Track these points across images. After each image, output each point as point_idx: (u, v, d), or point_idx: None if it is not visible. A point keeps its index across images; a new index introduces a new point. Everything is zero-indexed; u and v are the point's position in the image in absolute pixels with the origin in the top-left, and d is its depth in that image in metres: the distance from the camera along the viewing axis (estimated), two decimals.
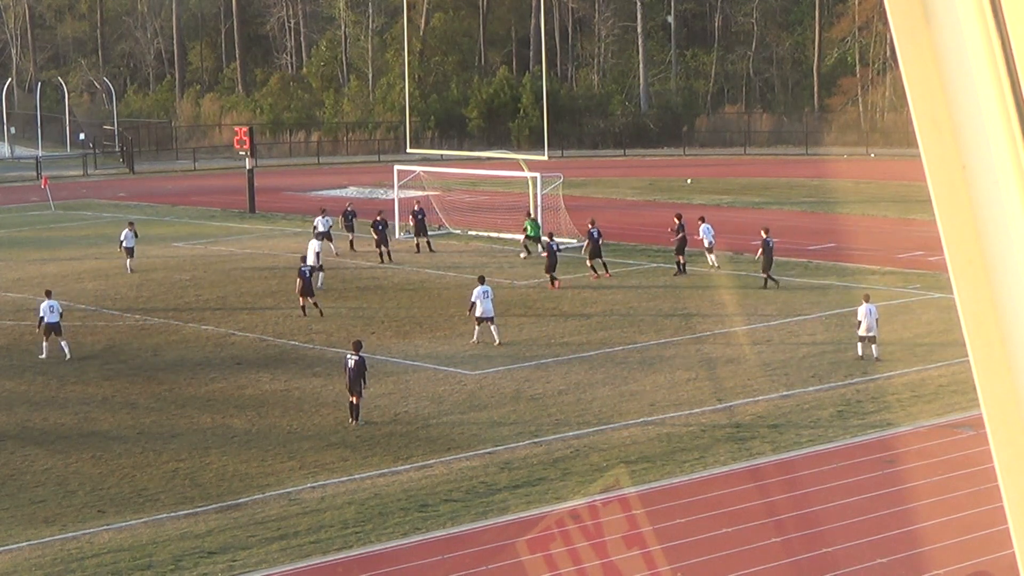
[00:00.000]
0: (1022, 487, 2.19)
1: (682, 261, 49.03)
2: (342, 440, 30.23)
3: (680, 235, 49.44)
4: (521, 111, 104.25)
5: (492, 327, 38.48)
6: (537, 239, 53.95)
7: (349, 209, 57.65)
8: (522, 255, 53.27)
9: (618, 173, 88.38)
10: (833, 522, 23.96)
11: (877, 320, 36.21)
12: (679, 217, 50.51)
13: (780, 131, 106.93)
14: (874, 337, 36.10)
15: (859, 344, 36.32)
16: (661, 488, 26.37)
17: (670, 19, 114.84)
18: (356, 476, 27.73)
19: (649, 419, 31.19)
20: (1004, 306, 2.19)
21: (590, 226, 49.07)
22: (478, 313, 38.65)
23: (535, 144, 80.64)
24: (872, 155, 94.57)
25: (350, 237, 55.58)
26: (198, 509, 25.94)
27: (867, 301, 36.47)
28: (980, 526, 22.19)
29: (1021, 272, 2.17)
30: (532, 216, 55.56)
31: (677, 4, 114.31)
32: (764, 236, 46.47)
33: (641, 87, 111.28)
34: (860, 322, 36.22)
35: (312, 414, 32.29)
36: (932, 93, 2.20)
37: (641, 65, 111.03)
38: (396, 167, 63.57)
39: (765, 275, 45.82)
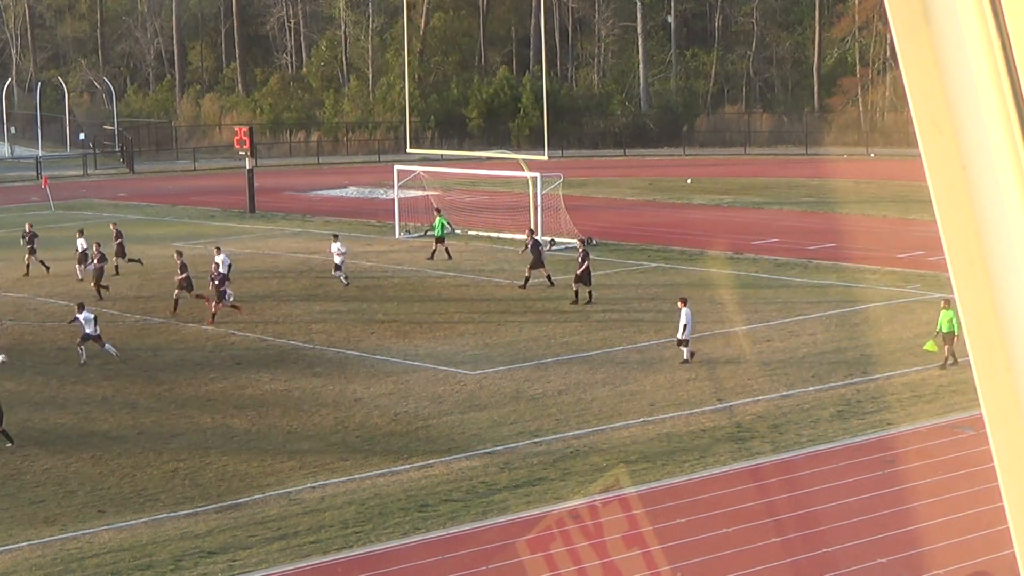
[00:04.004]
0: (1022, 487, 2.19)
1: (530, 275, 46.38)
2: (342, 440, 30.23)
3: (534, 248, 47.13)
4: (521, 111, 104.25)
5: (84, 347, 37.34)
6: (442, 239, 53.56)
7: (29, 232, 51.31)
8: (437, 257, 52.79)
9: (618, 173, 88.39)
10: (833, 522, 23.96)
11: (686, 325, 35.74)
12: (531, 233, 48.84)
13: (780, 131, 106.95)
14: (687, 340, 35.81)
15: (684, 350, 35.95)
16: (661, 488, 26.36)
17: (670, 19, 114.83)
18: (356, 476, 27.73)
19: (649, 419, 31.19)
20: (1004, 306, 2.19)
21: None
22: (88, 330, 37.35)
23: (535, 144, 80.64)
24: (872, 155, 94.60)
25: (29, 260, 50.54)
26: (198, 509, 25.94)
27: (684, 305, 36.17)
28: (980, 526, 22.19)
29: (1021, 272, 2.17)
30: (439, 212, 55.23)
31: (677, 4, 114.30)
32: (581, 247, 44.85)
33: (641, 87, 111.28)
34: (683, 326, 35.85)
35: (312, 414, 32.30)
36: (932, 93, 2.20)
37: (641, 65, 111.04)
38: (396, 167, 63.59)
39: (581, 287, 43.70)
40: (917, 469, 26.87)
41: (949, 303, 35.27)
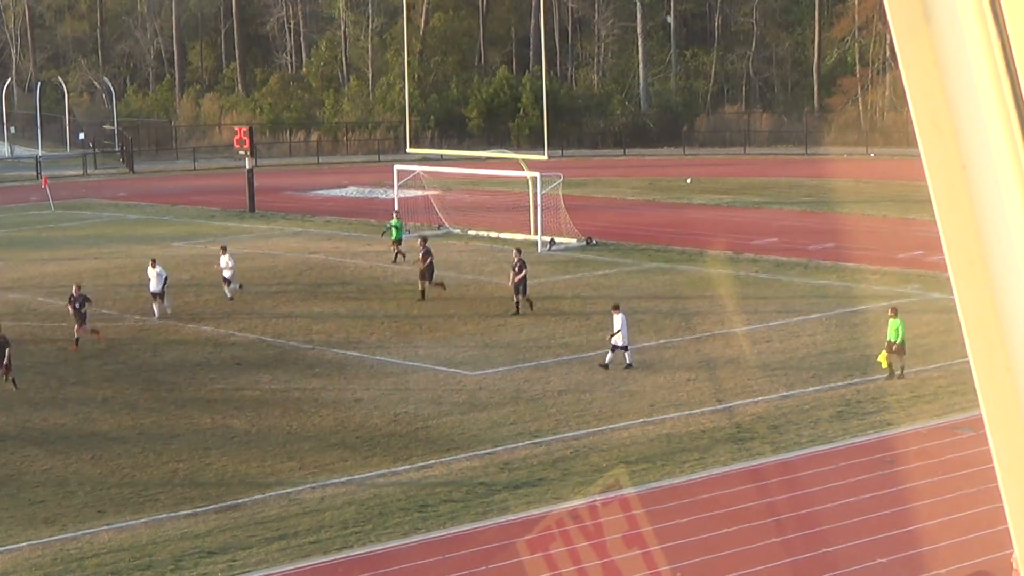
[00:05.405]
0: (1022, 487, 2.19)
1: (425, 287, 45.31)
2: (342, 440, 30.23)
3: (428, 260, 45.67)
4: (521, 111, 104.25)
5: None
6: (399, 241, 52.92)
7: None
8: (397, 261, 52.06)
9: (618, 173, 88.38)
10: (833, 522, 23.96)
11: (622, 331, 35.53)
12: (424, 241, 47.37)
13: (780, 131, 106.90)
14: (626, 346, 35.60)
15: (610, 353, 35.62)
16: (661, 488, 26.36)
17: (670, 19, 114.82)
18: (356, 476, 27.74)
19: (649, 419, 31.19)
20: (1004, 306, 2.19)
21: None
22: None
23: (535, 144, 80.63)
24: (872, 155, 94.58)
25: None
26: (198, 509, 25.95)
27: (618, 311, 35.92)
28: (980, 526, 22.20)
29: (1021, 272, 2.17)
30: (397, 214, 54.72)
31: (677, 4, 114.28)
32: (517, 258, 43.66)
33: (641, 87, 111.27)
34: (615, 332, 35.49)
35: (312, 414, 32.30)
36: (932, 93, 2.20)
37: (641, 65, 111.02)
38: (396, 167, 63.62)
39: (519, 298, 42.85)
40: (917, 469, 26.87)
41: (896, 311, 34.64)
